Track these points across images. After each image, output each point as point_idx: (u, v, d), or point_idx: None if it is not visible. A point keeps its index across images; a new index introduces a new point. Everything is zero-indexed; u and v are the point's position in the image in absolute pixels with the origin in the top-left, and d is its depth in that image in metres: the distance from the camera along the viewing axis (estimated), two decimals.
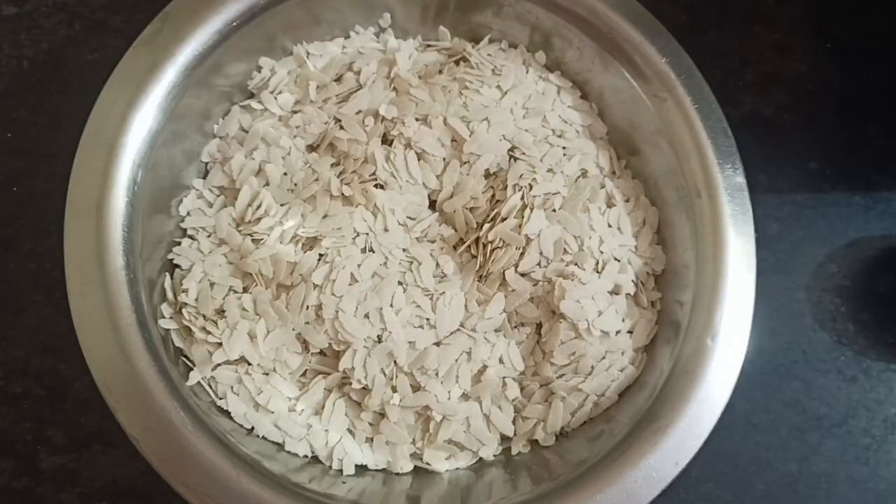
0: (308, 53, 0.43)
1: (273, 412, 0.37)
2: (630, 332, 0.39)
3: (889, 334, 0.43)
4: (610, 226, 0.41)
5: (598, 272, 0.39)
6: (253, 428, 0.37)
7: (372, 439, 0.38)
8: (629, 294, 0.40)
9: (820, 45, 0.49)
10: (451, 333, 0.38)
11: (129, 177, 0.36)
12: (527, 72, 0.43)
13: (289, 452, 0.37)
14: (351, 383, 0.37)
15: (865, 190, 0.45)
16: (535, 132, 0.41)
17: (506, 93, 0.42)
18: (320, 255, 0.38)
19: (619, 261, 0.40)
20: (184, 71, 0.38)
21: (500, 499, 0.35)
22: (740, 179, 0.38)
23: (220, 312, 0.38)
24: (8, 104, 0.45)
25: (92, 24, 0.46)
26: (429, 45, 0.45)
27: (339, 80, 0.43)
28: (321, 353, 0.38)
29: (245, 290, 0.38)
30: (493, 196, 0.41)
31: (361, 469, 0.37)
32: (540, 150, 0.41)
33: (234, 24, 0.39)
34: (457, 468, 0.38)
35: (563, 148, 0.42)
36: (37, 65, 0.46)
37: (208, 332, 0.37)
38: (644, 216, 0.42)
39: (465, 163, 0.40)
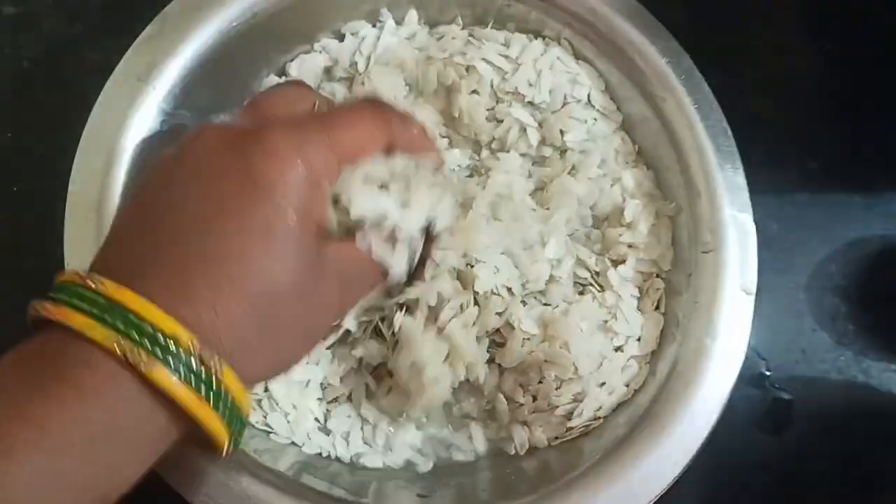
0: (308, 54, 0.43)
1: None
2: (638, 339, 0.39)
3: (889, 334, 0.43)
4: None
5: None
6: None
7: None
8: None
9: (820, 46, 0.49)
10: None
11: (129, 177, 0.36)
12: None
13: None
14: None
15: (865, 190, 0.45)
16: None
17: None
18: None
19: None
20: (184, 71, 0.38)
21: (501, 499, 0.35)
22: (740, 179, 0.38)
23: None
24: (8, 104, 0.45)
25: (92, 24, 0.46)
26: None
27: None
28: None
29: None
30: None
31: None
32: None
33: (235, 23, 0.39)
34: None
35: None
36: (37, 65, 0.46)
37: None
38: None
39: None
